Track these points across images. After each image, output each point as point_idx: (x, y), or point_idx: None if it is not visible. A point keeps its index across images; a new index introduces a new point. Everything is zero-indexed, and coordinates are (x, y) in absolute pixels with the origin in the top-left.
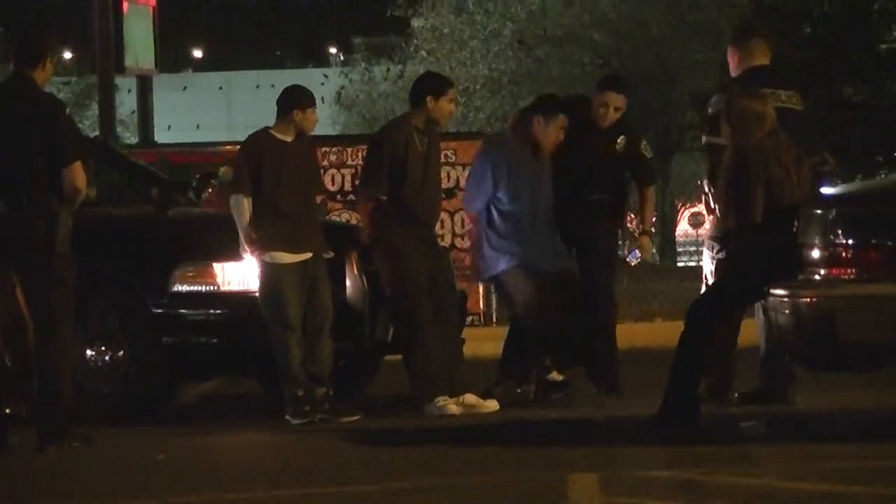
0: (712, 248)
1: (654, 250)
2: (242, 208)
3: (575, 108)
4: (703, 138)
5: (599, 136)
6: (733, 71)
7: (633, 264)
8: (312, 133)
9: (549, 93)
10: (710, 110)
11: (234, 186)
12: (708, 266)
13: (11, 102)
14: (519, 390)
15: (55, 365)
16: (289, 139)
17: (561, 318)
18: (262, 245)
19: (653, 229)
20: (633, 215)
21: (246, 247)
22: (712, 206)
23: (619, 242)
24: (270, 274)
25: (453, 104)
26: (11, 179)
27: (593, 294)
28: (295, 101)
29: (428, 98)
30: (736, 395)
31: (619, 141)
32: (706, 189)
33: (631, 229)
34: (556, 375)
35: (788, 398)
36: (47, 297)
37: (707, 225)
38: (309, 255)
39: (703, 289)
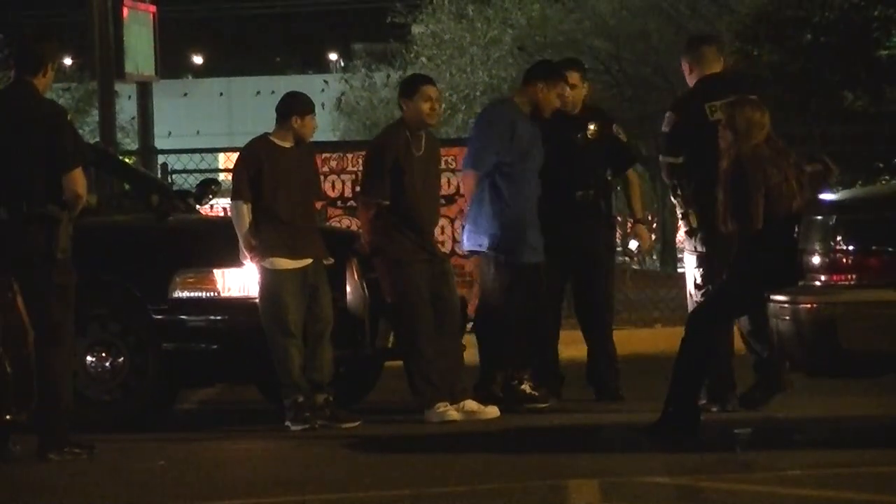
0: (693, 251)
1: (655, 255)
2: (242, 214)
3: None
4: (661, 158)
5: (568, 125)
6: (688, 81)
7: (634, 253)
8: (312, 139)
9: (546, 59)
10: (664, 129)
11: (233, 193)
12: (690, 273)
13: (12, 109)
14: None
15: (55, 372)
16: (288, 145)
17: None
18: (261, 251)
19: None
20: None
21: (245, 253)
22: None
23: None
24: (270, 280)
25: (429, 102)
26: (12, 186)
27: (589, 298)
28: (293, 107)
29: (402, 101)
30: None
31: (590, 128)
32: (675, 200)
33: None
34: (528, 388)
35: (784, 384)
36: (47, 304)
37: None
38: (309, 261)
39: (689, 295)
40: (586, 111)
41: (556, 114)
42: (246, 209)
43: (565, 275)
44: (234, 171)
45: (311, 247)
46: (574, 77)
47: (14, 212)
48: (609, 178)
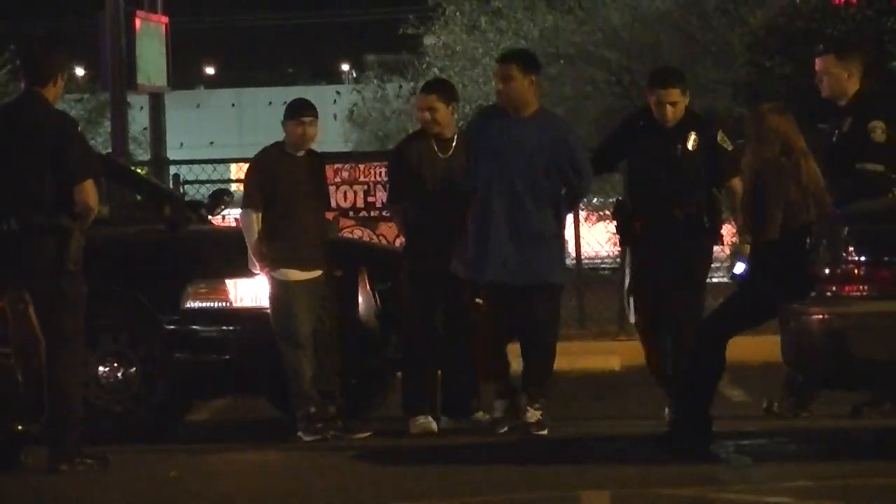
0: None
1: None
2: (251, 223)
3: (639, 118)
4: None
5: (666, 138)
6: (835, 89)
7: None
8: (319, 148)
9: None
10: (879, 140)
11: (243, 201)
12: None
13: (22, 120)
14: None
15: (66, 383)
16: (298, 153)
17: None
18: (271, 262)
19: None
20: None
21: (255, 263)
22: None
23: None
24: (281, 291)
25: (452, 105)
26: (22, 197)
27: (678, 317)
28: (287, 112)
29: (452, 105)
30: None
31: (690, 139)
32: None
33: None
34: (533, 414)
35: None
36: (58, 315)
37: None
38: (319, 273)
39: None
40: (687, 121)
41: (654, 126)
42: (256, 218)
43: (660, 292)
44: (246, 179)
45: (319, 259)
46: (674, 94)
47: (25, 223)
48: (714, 190)
